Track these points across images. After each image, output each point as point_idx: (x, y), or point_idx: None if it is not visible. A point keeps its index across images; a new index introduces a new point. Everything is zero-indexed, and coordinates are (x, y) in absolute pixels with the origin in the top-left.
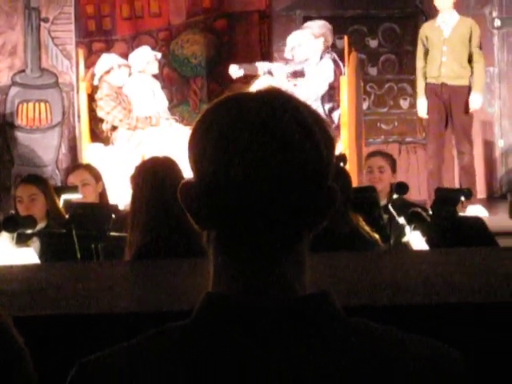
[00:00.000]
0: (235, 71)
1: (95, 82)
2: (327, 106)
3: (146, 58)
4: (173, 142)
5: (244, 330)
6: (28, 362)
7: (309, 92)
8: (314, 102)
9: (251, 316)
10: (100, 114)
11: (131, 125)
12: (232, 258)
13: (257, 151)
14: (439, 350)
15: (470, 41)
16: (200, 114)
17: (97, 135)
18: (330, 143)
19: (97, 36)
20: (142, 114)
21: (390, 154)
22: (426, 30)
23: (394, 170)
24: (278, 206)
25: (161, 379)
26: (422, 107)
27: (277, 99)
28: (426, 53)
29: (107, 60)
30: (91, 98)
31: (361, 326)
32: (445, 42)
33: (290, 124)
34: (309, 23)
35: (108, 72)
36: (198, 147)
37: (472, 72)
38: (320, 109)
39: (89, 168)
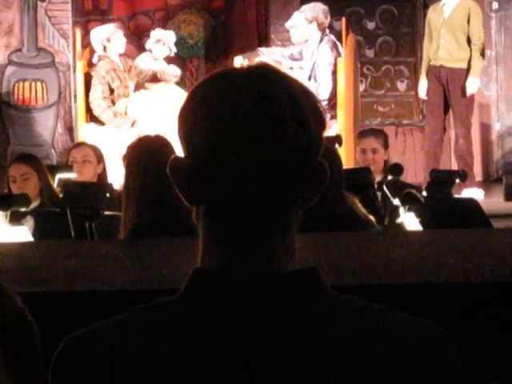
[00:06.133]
0: (239, 62)
1: (98, 49)
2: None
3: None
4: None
5: (231, 305)
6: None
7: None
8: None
9: (238, 291)
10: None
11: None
12: (220, 233)
13: (246, 126)
14: (430, 328)
15: (468, 23)
16: (191, 90)
17: (93, 116)
18: (320, 120)
19: (93, 15)
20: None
21: (382, 131)
22: (430, 11)
23: (386, 146)
24: (267, 182)
25: (147, 353)
26: (422, 88)
27: (267, 74)
28: (431, 34)
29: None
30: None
31: (350, 303)
32: (443, 23)
33: (280, 99)
34: (303, 7)
35: (109, 40)
36: (189, 122)
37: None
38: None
39: (93, 147)
